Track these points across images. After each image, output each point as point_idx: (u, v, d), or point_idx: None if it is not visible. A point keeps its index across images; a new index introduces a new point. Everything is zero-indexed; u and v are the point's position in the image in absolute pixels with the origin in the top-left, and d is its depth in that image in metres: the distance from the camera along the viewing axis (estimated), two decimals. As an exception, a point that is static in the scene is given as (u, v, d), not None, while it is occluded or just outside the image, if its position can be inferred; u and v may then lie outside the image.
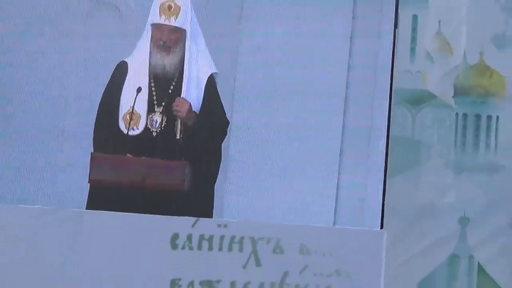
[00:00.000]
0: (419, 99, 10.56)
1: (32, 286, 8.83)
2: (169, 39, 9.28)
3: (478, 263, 10.84)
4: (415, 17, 10.62)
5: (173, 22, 9.37)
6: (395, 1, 9.91)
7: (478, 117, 10.57)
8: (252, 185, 9.68)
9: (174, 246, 9.19)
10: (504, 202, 10.49)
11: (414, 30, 10.71)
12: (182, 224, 9.23)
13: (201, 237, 9.36)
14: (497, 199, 10.55)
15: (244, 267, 9.58)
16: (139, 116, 9.16)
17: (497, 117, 10.48)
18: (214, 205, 9.49)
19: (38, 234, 8.99)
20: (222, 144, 9.43)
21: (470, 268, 10.84)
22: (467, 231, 10.87)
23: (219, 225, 9.36)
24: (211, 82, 9.37)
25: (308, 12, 9.71)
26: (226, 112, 9.45)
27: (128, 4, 9.34)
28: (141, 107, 9.22)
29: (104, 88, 9.15)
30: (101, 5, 9.19)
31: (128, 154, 9.13)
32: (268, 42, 9.71)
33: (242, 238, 9.48)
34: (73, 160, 9.21)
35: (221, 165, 9.49)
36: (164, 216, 9.23)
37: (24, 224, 9.03)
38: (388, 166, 9.99)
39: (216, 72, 9.43)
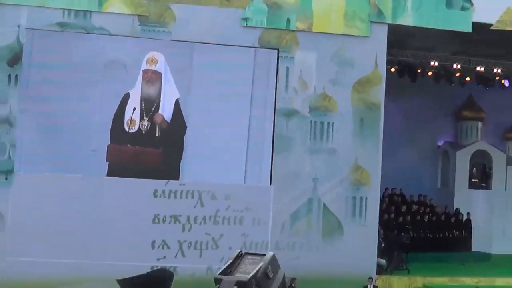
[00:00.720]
0: (290, 113, 15.36)
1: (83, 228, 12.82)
2: (152, 77, 14.21)
3: (324, 203, 15.49)
4: (287, 68, 15.27)
5: (154, 67, 14.23)
6: (276, 60, 15.30)
7: (322, 123, 15.63)
8: (200, 162, 14.69)
9: (155, 196, 14.08)
10: (337, 170, 15.89)
11: (287, 75, 15.32)
12: (159, 184, 14.15)
13: (170, 191, 14.43)
14: (333, 168, 15.92)
15: (194, 207, 14.84)
16: (135, 122, 13.94)
17: (333, 123, 15.60)
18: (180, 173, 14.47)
19: (78, 191, 13.40)
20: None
21: (319, 206, 15.53)
22: (317, 185, 15.53)
23: (180, 184, 14.44)
24: (176, 103, 14.42)
25: (226, 74, 14.72)
26: (184, 120, 14.52)
27: (130, 60, 13.77)
28: (136, 117, 13.98)
29: (116, 107, 13.72)
30: (114, 62, 13.53)
31: (128, 145, 13.94)
32: (204, 87, 14.59)
33: (193, 191, 14.67)
34: (98, 148, 13.61)
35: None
36: (149, 179, 14.05)
37: (68, 185, 13.29)
38: (274, 149, 15.31)
39: (179, 97, 14.34)
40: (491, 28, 17.23)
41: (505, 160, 23.93)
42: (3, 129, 13.04)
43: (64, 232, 12.74)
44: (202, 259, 14.69)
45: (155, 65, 13.81)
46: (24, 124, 13.03)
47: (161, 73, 13.89)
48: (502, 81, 21.23)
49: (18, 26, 13.17)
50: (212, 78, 14.89)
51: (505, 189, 23.85)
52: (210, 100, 14.83)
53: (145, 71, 13.74)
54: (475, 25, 16.78)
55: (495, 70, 20.43)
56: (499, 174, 23.90)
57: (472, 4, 16.70)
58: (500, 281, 17.74)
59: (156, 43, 14.04)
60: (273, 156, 15.44)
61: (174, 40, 14.23)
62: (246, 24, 15.20)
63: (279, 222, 15.56)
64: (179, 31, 14.39)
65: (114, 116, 13.41)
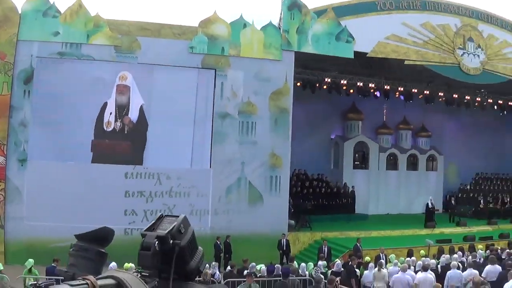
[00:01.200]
0: (224, 116, 17.50)
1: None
2: (123, 90, 16.63)
3: (249, 181, 17.74)
4: (222, 83, 17.44)
5: (124, 82, 16.60)
6: (214, 77, 17.14)
7: (247, 122, 17.87)
8: (159, 152, 16.66)
9: (126, 177, 16.30)
10: (258, 156, 17.75)
11: (222, 88, 17.46)
12: (129, 168, 16.39)
13: (137, 173, 16.71)
14: (256, 155, 17.78)
15: (154, 185, 16.86)
16: (111, 123, 16.17)
17: (255, 123, 17.84)
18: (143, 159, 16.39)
19: (72, 174, 15.24)
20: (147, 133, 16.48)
21: (245, 183, 17.76)
22: (244, 168, 17.69)
23: (144, 168, 16.71)
24: (141, 109, 16.75)
25: (177, 88, 16.61)
26: (147, 120, 16.73)
27: (108, 78, 15.76)
28: (112, 120, 16.27)
29: (98, 112, 15.93)
30: (97, 80, 15.49)
31: (106, 140, 16.31)
32: (161, 97, 16.64)
33: (153, 173, 16.86)
34: (85, 142, 15.63)
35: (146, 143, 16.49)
36: (121, 165, 16.25)
37: (65, 169, 15.23)
38: (212, 142, 17.33)
39: (143, 104, 16.60)
40: (367, 55, 19.83)
41: (378, 148, 27.03)
42: (20, 129, 14.71)
43: (63, 204, 14.36)
44: (161, 223, 16.94)
45: (125, 81, 15.74)
46: (35, 126, 14.72)
47: (130, 87, 15.92)
48: (375, 93, 24.04)
49: (31, 55, 14.79)
50: (167, 91, 16.87)
51: (378, 169, 26.99)
52: (165, 106, 16.74)
53: (118, 86, 15.66)
54: (356, 53, 19.25)
55: (370, 85, 22.93)
56: (374, 158, 26.92)
57: (353, 39, 19.06)
58: (374, 233, 19.91)
59: (126, 65, 15.96)
60: (212, 146, 17.48)
61: (140, 63, 16.16)
62: (192, 51, 17.11)
63: (216, 195, 17.53)
64: (143, 56, 16.25)
65: (96, 119, 15.34)
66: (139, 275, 1.75)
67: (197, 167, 17.40)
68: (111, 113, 15.68)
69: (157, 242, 1.78)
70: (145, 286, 1.68)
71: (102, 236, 1.80)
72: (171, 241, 1.81)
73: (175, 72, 16.74)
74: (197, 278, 1.98)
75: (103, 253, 1.81)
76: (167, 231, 1.84)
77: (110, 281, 1.60)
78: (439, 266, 13.02)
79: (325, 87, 22.45)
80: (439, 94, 24.98)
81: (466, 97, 25.77)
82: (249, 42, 17.77)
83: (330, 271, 12.98)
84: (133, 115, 16.16)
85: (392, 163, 28.09)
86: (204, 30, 17.26)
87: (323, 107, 25.58)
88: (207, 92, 17.34)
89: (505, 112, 27.70)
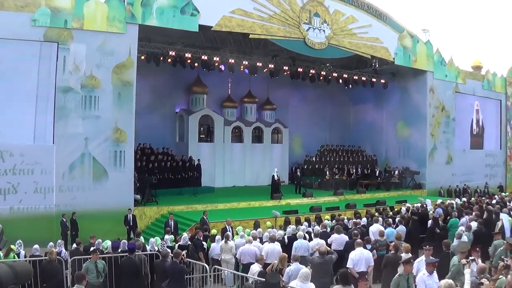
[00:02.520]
0: (67, 90, 19.20)
1: None
2: None
3: (93, 156, 19.82)
4: (65, 57, 19.20)
5: None
6: (57, 51, 18.92)
7: (90, 97, 19.62)
8: (1, 126, 18.17)
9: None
10: (102, 131, 19.70)
11: (64, 62, 19.15)
12: None
13: None
14: (99, 130, 19.62)
15: None
16: None
17: (98, 97, 19.59)
18: None
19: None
20: None
21: (89, 158, 19.62)
22: (88, 143, 19.60)
23: None
24: None
25: (19, 62, 18.17)
26: None
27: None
28: None
29: None
30: None
31: None
32: (3, 73, 18.22)
33: None
34: None
35: None
36: None
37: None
38: (55, 117, 19.07)
39: None
40: (212, 29, 22.37)
41: (223, 122, 31.14)
42: None
43: None
44: (6, 202, 18.45)
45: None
46: None
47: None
48: (220, 66, 27.33)
49: None
50: (8, 64, 18.24)
51: (223, 142, 31.11)
52: (6, 81, 18.31)
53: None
54: (200, 26, 21.55)
55: (215, 58, 26.05)
56: (219, 132, 30.94)
57: (198, 12, 21.32)
58: (221, 205, 22.67)
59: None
60: (55, 122, 18.96)
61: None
62: (35, 24, 18.61)
63: (60, 171, 19.14)
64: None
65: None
66: None
67: (40, 143, 18.94)
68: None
69: None
70: None
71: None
72: None
73: (17, 46, 18.24)
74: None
75: None
76: None
77: None
78: (285, 236, 14.70)
79: (169, 60, 25.21)
80: (284, 68, 29.24)
81: (311, 71, 30.43)
82: (93, 14, 19.61)
83: (177, 245, 14.26)
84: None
85: (237, 136, 32.51)
86: (47, 3, 18.92)
87: (167, 81, 28.85)
88: (49, 66, 19.01)
89: (350, 85, 33.25)
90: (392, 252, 11.56)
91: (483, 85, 37.25)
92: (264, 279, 9.36)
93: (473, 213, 17.61)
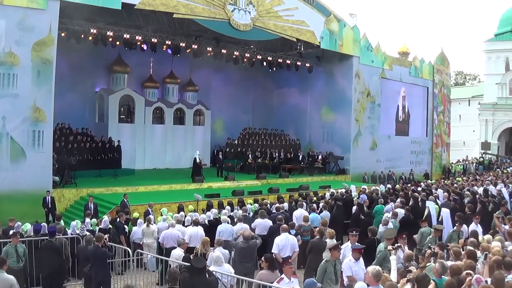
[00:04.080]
0: None
1: None
2: None
3: (11, 136, 20.67)
4: None
5: None
6: None
7: (9, 74, 20.52)
8: None
9: None
10: (20, 110, 20.55)
11: None
12: None
13: None
14: (17, 109, 20.51)
15: None
16: None
17: (17, 74, 20.48)
18: None
19: None
20: None
21: (7, 139, 20.64)
22: (6, 123, 20.60)
23: None
24: None
25: None
26: None
27: None
28: None
29: None
30: None
31: None
32: None
33: None
34: None
35: None
36: None
37: None
38: None
39: None
40: (135, 7, 23.72)
41: (144, 102, 33.03)
42: None
43: None
44: None
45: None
46: None
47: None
48: (142, 45, 28.66)
49: None
50: None
51: (144, 123, 33.04)
52: None
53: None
54: (123, 4, 22.78)
55: (137, 37, 27.44)
56: (140, 112, 32.81)
57: None
58: (142, 188, 24.07)
59: None
60: None
61: None
62: None
63: None
64: None
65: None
66: None
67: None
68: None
69: None
70: None
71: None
72: None
73: None
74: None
75: None
76: None
77: None
78: (206, 220, 15.71)
79: (90, 38, 26.48)
80: (208, 49, 30.96)
81: (235, 52, 32.25)
82: (14, -11, 20.29)
83: (98, 228, 14.98)
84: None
85: (158, 117, 34.49)
86: (-35, -25, 19.60)
87: (88, 59, 30.24)
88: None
89: (274, 68, 35.68)
90: (317, 237, 12.45)
91: (410, 72, 40.67)
92: (189, 264, 9.64)
93: (398, 200, 18.56)
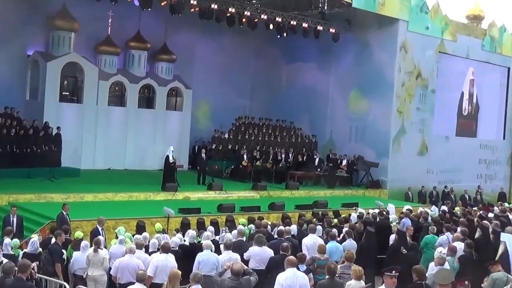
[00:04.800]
0: None
1: None
2: None
3: None
4: None
5: None
6: None
7: None
8: None
9: None
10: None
11: None
12: None
13: None
14: None
15: None
16: None
17: None
18: None
19: None
20: None
21: None
22: None
23: None
24: None
25: None
26: None
27: None
28: None
29: None
30: None
31: None
32: None
33: None
34: None
35: None
36: None
37: None
38: None
39: None
40: None
41: (97, 74, 32.83)
42: None
43: None
44: None
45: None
46: None
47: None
48: None
49: None
50: None
51: (97, 104, 32.92)
52: None
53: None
54: None
55: None
56: (91, 89, 32.71)
57: None
58: (89, 196, 24.40)
59: None
60: None
61: None
62: None
63: None
64: None
65: None
66: None
67: None
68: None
69: None
70: None
71: None
72: None
73: None
74: None
75: None
76: None
77: None
78: (179, 246, 15.85)
79: None
80: (191, 2, 30.72)
81: (230, 9, 32.00)
82: None
83: (22, 253, 14.85)
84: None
85: (117, 97, 34.58)
86: None
87: (17, 9, 30.30)
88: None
89: (284, 34, 35.26)
90: (327, 277, 12.23)
91: (483, 45, 40.31)
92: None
93: (459, 229, 18.14)
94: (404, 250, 17.02)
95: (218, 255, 14.53)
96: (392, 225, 20.53)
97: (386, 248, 17.63)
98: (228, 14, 32.94)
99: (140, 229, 18.20)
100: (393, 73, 35.49)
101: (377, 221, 20.83)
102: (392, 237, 18.23)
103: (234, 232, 17.03)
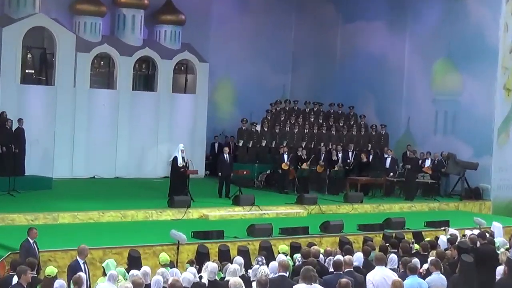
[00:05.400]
0: None
1: None
2: None
3: None
4: None
5: None
6: None
7: None
8: None
9: None
10: None
11: None
12: None
13: None
14: None
15: None
16: None
17: None
18: None
19: None
20: None
21: None
22: None
23: None
24: None
25: None
26: None
27: None
28: None
29: None
30: None
31: None
32: None
33: None
34: None
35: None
36: None
37: None
38: None
39: None
40: None
41: (74, 43, 32.54)
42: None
43: None
44: None
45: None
46: None
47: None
48: None
49: None
50: None
51: (74, 86, 32.66)
52: None
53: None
54: None
55: None
56: (66, 64, 32.36)
57: None
58: (67, 216, 24.59)
59: None
60: None
61: None
62: None
63: None
64: None
65: None
66: None
67: None
68: None
69: None
70: None
71: None
72: None
73: None
74: None
75: None
76: None
77: None
78: (195, 282, 15.33)
79: None
80: None
81: None
82: None
83: None
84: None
85: (103, 75, 34.60)
86: None
87: None
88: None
89: None
90: None
91: None
92: None
93: None
94: (517, 289, 16.56)
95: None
96: (499, 252, 19.91)
97: (491, 285, 17.55)
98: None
99: (137, 261, 18.46)
100: (497, 35, 34.74)
101: (477, 247, 20.36)
102: (500, 269, 17.61)
103: (273, 264, 16.67)
